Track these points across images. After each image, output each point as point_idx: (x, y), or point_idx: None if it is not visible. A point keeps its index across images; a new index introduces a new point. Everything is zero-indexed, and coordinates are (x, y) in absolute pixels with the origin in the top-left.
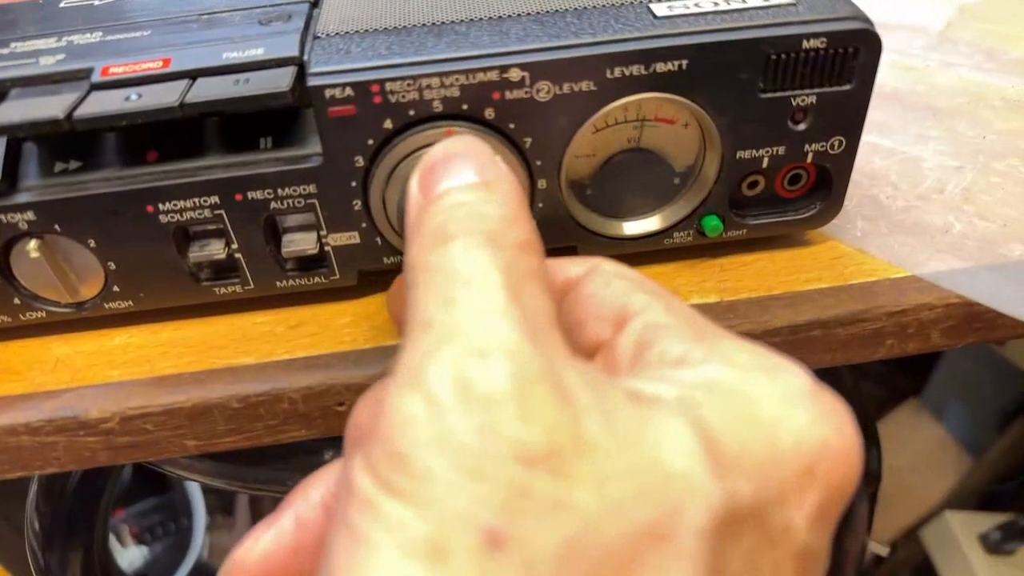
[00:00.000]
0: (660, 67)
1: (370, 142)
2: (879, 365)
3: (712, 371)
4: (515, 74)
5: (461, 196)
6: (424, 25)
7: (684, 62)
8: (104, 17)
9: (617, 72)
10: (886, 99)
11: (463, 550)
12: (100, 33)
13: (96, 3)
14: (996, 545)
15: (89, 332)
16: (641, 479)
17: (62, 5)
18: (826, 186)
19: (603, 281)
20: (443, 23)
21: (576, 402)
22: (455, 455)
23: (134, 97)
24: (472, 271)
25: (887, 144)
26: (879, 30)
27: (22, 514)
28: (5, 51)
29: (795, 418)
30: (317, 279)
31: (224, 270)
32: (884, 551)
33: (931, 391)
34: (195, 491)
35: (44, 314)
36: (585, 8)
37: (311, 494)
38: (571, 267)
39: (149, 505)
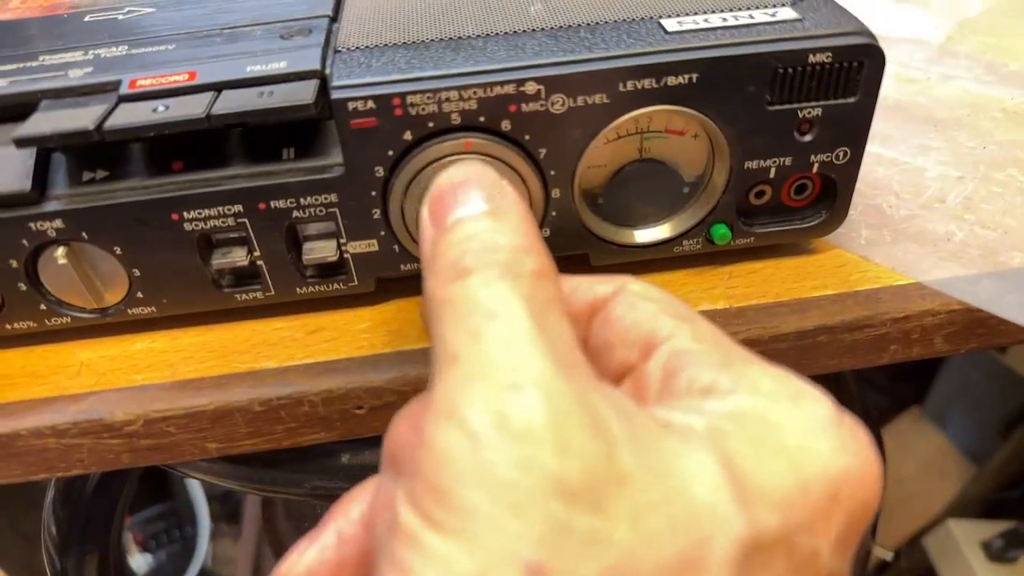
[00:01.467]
0: (671, 80)
1: (390, 153)
2: (881, 374)
3: (740, 402)
4: (531, 87)
5: (473, 227)
6: (441, 40)
7: (695, 75)
8: (128, 31)
9: (630, 85)
10: (888, 111)
11: None
12: (126, 47)
13: (120, 17)
14: (999, 553)
15: (112, 337)
16: (672, 511)
17: (87, 19)
18: (831, 195)
19: (629, 304)
20: (460, 38)
21: (609, 432)
22: (496, 489)
23: (161, 109)
24: (494, 304)
25: (889, 154)
26: (881, 43)
27: (28, 521)
28: (34, 63)
29: (819, 446)
30: (336, 286)
31: (246, 277)
32: (888, 556)
33: (933, 399)
34: (200, 499)
35: (69, 320)
36: (598, 23)
37: (351, 510)
38: (598, 287)
39: (154, 513)
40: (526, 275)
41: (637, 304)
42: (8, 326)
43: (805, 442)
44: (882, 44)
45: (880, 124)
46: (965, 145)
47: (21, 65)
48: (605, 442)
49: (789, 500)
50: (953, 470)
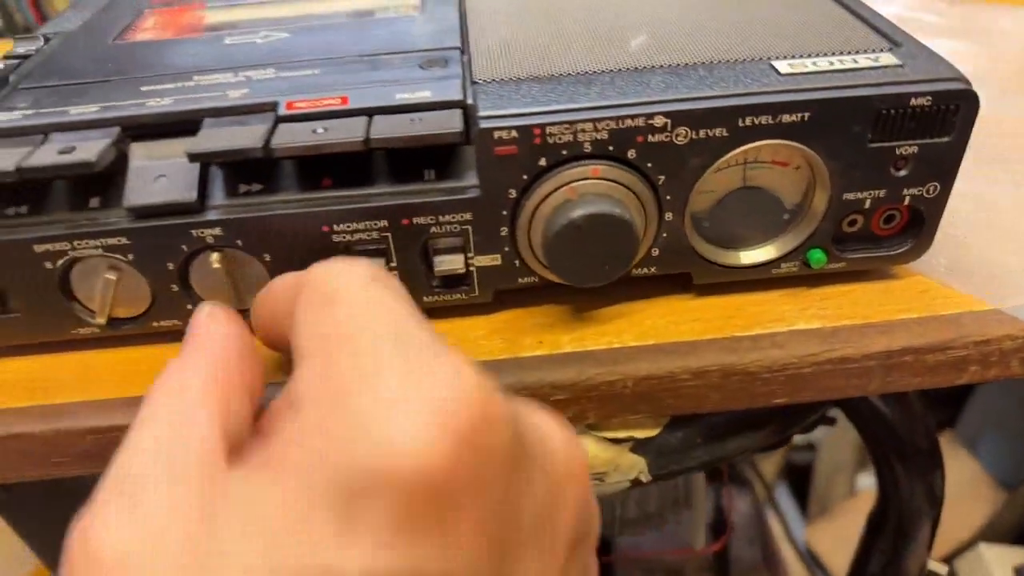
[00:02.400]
0: (785, 118)
1: (524, 177)
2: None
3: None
4: (659, 120)
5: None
6: (571, 75)
7: (807, 114)
8: (271, 55)
9: (748, 121)
10: None
11: None
12: (273, 70)
13: (258, 41)
14: None
15: None
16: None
17: (227, 42)
18: (919, 226)
19: None
20: (590, 72)
21: None
22: None
23: (320, 131)
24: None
25: (964, 187)
26: None
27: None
28: (191, 83)
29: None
30: (458, 296)
31: None
32: (944, 570)
33: (965, 424)
34: None
35: None
36: (713, 62)
37: None
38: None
39: None
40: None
41: None
42: (154, 323)
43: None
44: None
45: None
46: None
47: (179, 84)
48: None
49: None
50: (985, 495)
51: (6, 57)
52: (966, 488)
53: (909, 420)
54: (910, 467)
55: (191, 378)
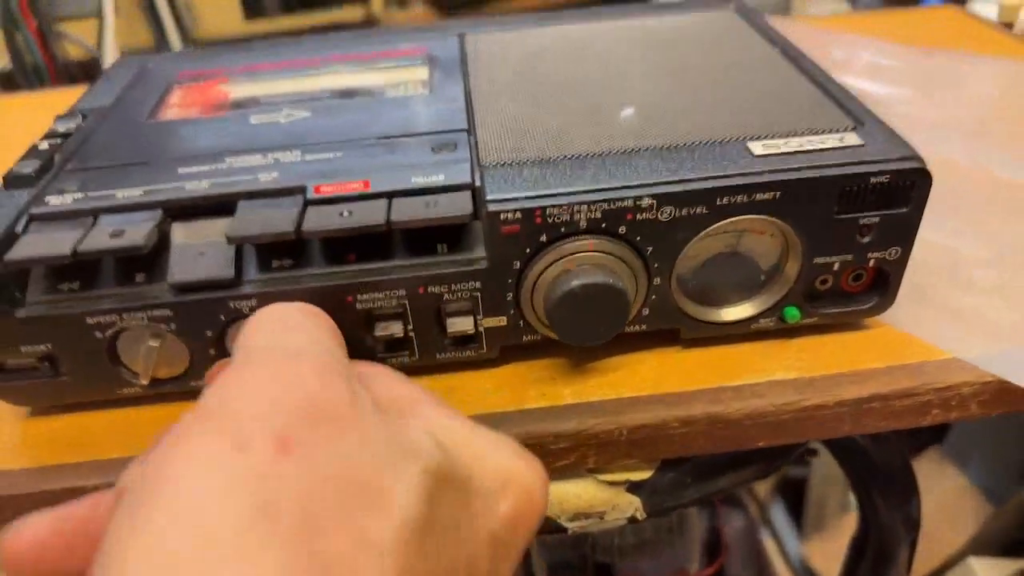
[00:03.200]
0: (759, 196)
1: (527, 250)
2: None
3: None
4: (646, 201)
5: None
6: (568, 157)
7: (778, 193)
8: (295, 136)
9: (726, 200)
10: None
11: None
12: (299, 152)
13: (282, 121)
14: None
15: None
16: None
17: (253, 121)
18: (883, 283)
19: None
20: (583, 155)
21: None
22: None
23: (346, 214)
24: None
25: (929, 237)
26: (915, 124)
27: None
28: (224, 165)
29: (503, 451)
30: (468, 352)
31: (397, 344)
32: None
33: (953, 440)
34: None
35: None
36: (694, 143)
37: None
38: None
39: None
40: None
41: None
42: (192, 383)
43: (491, 445)
44: (914, 128)
45: None
46: (996, 230)
47: (213, 167)
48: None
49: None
50: (973, 509)
51: (48, 136)
52: (955, 503)
53: (885, 451)
54: (888, 495)
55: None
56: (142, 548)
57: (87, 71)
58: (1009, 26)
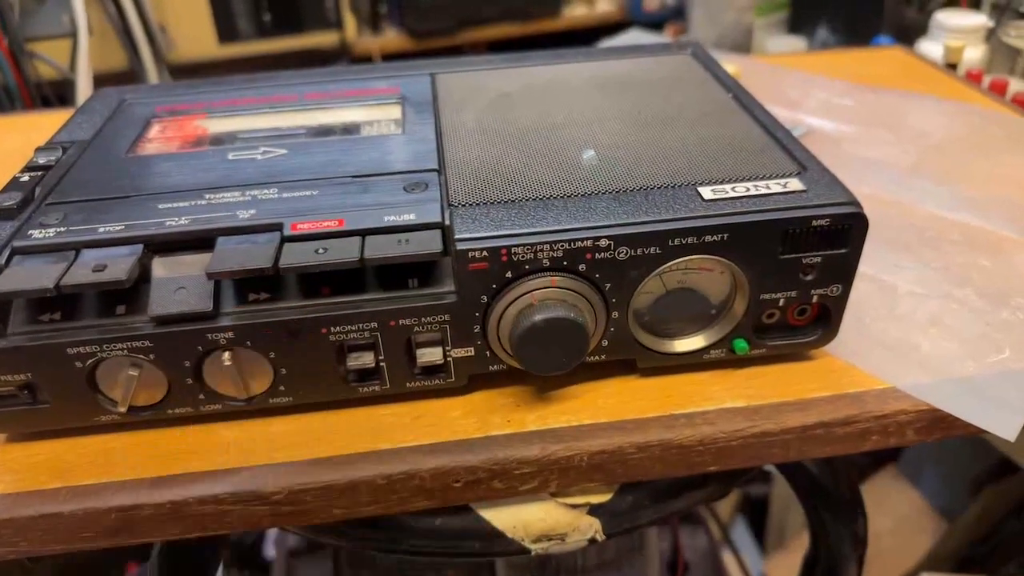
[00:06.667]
0: (708, 237)
1: (494, 286)
2: None
3: None
4: (604, 242)
5: None
6: (531, 199)
7: (726, 235)
8: (272, 173)
9: (677, 241)
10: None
11: None
12: (276, 189)
13: (259, 158)
14: None
15: (251, 420)
16: None
17: (231, 157)
18: (826, 318)
19: None
20: (546, 197)
21: None
22: None
23: (321, 251)
24: None
25: (869, 271)
26: (860, 161)
27: None
28: (203, 202)
29: None
30: (437, 381)
31: (369, 374)
32: None
33: (907, 458)
34: None
35: (221, 406)
36: (648, 187)
37: None
38: None
39: None
40: None
41: None
42: (169, 411)
43: None
44: (861, 161)
45: None
46: (931, 265)
47: (192, 203)
48: None
49: None
50: (927, 526)
51: (29, 168)
52: (909, 519)
53: (833, 475)
54: (836, 515)
55: None
56: None
57: (60, 92)
58: (953, 67)
